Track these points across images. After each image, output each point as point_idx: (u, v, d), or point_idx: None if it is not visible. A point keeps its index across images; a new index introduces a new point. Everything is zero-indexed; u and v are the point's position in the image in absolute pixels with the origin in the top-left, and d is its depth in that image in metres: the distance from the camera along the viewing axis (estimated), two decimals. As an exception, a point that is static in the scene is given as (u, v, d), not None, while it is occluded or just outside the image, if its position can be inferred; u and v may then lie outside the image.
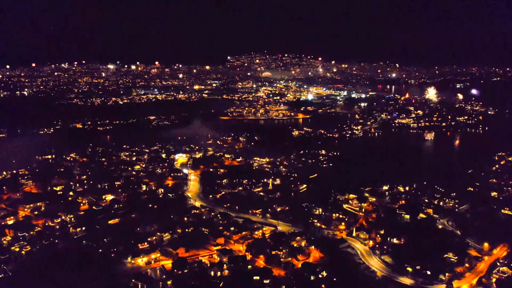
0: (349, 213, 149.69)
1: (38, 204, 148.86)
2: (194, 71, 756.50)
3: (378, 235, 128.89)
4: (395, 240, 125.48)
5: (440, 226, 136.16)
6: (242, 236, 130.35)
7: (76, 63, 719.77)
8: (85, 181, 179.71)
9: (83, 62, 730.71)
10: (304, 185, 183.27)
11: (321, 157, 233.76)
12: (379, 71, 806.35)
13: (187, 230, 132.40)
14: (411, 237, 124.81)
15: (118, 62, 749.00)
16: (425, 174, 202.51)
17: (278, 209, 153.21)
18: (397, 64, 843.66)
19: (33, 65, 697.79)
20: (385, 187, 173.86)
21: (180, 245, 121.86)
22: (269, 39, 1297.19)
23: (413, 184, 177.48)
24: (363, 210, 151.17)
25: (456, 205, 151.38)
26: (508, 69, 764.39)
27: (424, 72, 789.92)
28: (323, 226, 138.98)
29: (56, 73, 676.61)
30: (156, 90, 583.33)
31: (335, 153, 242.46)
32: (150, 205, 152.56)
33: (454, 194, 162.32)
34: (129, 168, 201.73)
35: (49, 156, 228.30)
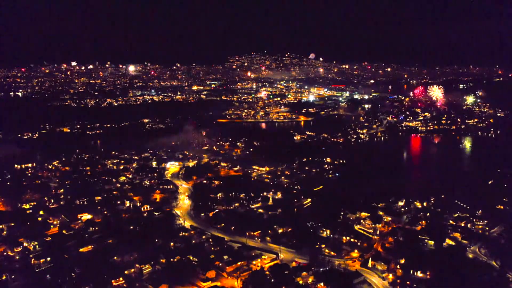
0: (361, 236, 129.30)
1: (0, 226, 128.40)
2: (193, 71, 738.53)
3: (398, 266, 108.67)
4: (419, 274, 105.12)
5: (470, 255, 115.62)
6: (238, 267, 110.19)
7: (74, 63, 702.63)
8: (62, 196, 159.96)
9: (82, 62, 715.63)
10: (308, 199, 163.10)
11: (326, 165, 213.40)
12: (380, 71, 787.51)
13: (172, 260, 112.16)
14: (438, 270, 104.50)
15: (119, 65, 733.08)
16: (441, 185, 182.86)
17: (280, 231, 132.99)
18: (398, 65, 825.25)
19: (31, 65, 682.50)
20: (400, 203, 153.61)
21: (162, 281, 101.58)
22: (269, 39, 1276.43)
23: (430, 198, 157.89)
24: (377, 232, 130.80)
25: (486, 228, 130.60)
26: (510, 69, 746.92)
27: (425, 72, 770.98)
28: (332, 253, 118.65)
29: (53, 74, 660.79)
30: (153, 91, 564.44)
31: (341, 161, 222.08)
32: (131, 227, 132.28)
33: (480, 212, 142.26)
34: (114, 180, 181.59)
35: (29, 165, 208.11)
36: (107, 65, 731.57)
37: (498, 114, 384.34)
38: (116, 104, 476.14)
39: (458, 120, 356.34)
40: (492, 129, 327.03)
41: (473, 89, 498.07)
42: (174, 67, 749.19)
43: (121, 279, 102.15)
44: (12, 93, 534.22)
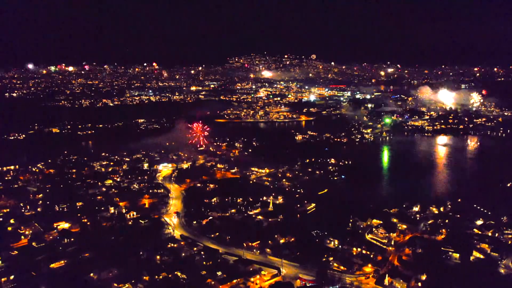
0: (374, 246, 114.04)
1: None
2: (192, 72, 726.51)
3: (420, 284, 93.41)
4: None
5: (503, 271, 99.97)
6: (233, 286, 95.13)
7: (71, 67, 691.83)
8: (40, 202, 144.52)
9: (80, 63, 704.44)
10: (313, 204, 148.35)
11: (330, 167, 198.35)
12: (380, 72, 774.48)
13: (156, 277, 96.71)
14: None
15: (115, 63, 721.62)
16: (456, 188, 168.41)
17: (281, 241, 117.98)
18: (398, 65, 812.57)
19: (30, 66, 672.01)
20: (415, 208, 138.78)
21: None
22: (269, 40, 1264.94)
23: (446, 203, 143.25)
24: (392, 243, 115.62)
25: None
26: (511, 67, 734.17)
27: (426, 72, 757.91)
28: (342, 268, 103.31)
29: (51, 75, 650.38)
30: (150, 91, 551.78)
31: (346, 162, 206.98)
32: (113, 238, 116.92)
33: (506, 219, 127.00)
34: (99, 183, 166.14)
35: (11, 167, 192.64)
36: (105, 66, 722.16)
37: (506, 114, 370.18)
38: (111, 104, 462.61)
39: (466, 119, 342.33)
40: (501, 128, 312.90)
41: (476, 89, 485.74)
42: (173, 68, 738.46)
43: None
44: (7, 94, 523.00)
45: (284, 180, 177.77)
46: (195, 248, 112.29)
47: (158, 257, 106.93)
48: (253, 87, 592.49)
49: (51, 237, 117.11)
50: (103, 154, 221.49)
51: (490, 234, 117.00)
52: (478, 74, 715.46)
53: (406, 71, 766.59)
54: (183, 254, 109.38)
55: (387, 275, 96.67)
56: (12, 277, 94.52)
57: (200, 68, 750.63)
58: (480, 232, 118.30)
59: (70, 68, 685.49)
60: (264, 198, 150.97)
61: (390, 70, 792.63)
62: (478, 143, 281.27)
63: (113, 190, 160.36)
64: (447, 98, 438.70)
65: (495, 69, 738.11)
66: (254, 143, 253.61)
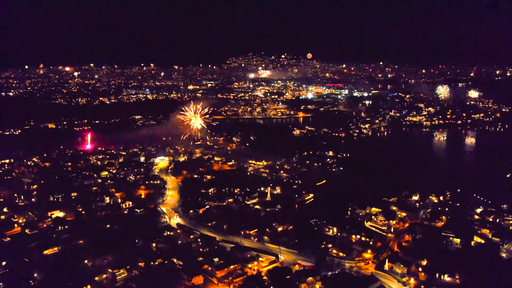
0: (373, 233, 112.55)
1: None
2: (190, 72, 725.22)
3: (420, 269, 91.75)
4: (446, 278, 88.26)
5: (504, 255, 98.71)
6: (230, 272, 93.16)
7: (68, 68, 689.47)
8: (34, 193, 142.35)
9: (77, 63, 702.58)
10: (311, 195, 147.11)
11: (328, 159, 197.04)
12: (378, 71, 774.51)
13: (152, 263, 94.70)
14: (469, 273, 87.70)
15: (114, 65, 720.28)
16: (455, 178, 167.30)
17: (279, 229, 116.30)
18: (395, 65, 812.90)
19: (26, 67, 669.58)
20: (414, 197, 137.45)
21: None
22: (267, 41, 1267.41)
23: (446, 193, 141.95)
24: (392, 230, 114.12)
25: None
26: (507, 68, 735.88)
27: (424, 72, 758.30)
28: (341, 254, 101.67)
29: (48, 75, 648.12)
30: (147, 90, 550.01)
31: (344, 155, 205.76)
32: (108, 226, 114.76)
33: (506, 206, 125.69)
34: (95, 175, 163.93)
35: (6, 161, 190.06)
36: (103, 67, 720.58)
37: (504, 110, 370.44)
38: (108, 102, 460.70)
39: (464, 114, 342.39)
40: (499, 124, 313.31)
41: (472, 88, 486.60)
42: (171, 68, 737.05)
43: (89, 287, 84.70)
44: (3, 93, 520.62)
45: (282, 171, 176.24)
46: (191, 236, 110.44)
47: (154, 244, 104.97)
48: (251, 86, 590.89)
49: (45, 225, 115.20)
50: (99, 148, 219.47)
51: (491, 219, 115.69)
52: (472, 74, 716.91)
53: (403, 71, 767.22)
54: (180, 242, 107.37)
55: (387, 260, 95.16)
56: (4, 263, 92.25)
57: (197, 69, 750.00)
58: (480, 218, 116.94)
59: (67, 68, 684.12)
60: (262, 188, 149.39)
61: (387, 69, 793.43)
62: (476, 138, 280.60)
63: (109, 181, 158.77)
64: (444, 94, 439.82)
65: (492, 69, 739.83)
66: (251, 137, 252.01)
